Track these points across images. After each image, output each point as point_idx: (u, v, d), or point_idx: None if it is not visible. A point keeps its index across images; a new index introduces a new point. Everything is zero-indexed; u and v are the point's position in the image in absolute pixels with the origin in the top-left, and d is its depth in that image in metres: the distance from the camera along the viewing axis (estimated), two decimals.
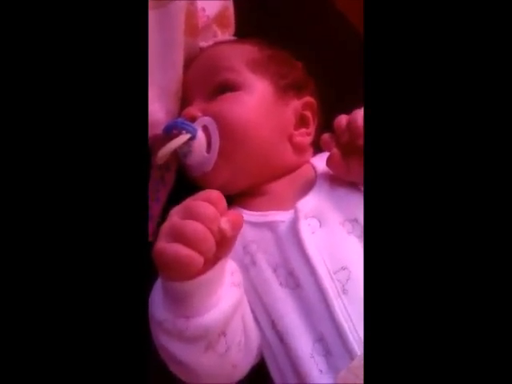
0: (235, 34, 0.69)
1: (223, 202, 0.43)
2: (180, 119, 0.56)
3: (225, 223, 0.42)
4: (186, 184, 0.59)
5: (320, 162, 0.56)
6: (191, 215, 0.41)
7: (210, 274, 0.43)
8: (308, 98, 0.61)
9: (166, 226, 0.42)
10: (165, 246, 0.41)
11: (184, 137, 0.54)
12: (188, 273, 0.41)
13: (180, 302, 0.44)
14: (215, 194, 0.43)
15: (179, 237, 0.40)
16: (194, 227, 0.41)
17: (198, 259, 0.40)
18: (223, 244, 0.43)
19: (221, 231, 0.42)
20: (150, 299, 0.46)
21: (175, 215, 0.43)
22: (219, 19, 0.66)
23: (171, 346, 0.45)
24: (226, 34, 0.67)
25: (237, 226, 0.43)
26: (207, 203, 0.42)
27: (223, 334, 0.46)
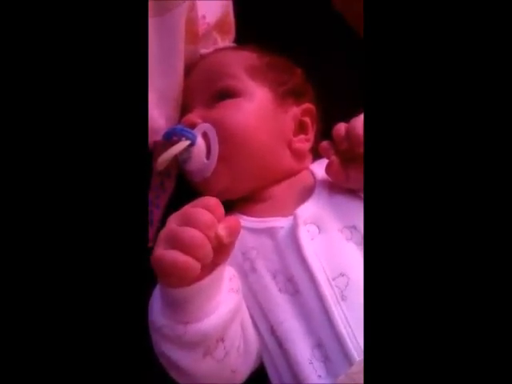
0: (236, 41, 0.69)
1: (220, 209, 0.43)
2: (179, 126, 0.57)
3: (222, 230, 0.42)
4: (186, 190, 0.59)
5: (319, 168, 0.57)
6: (188, 222, 0.42)
7: (207, 280, 0.44)
8: (307, 105, 0.61)
9: (163, 232, 0.43)
10: (162, 252, 0.41)
11: (183, 143, 0.55)
12: (185, 279, 0.41)
13: (178, 308, 0.44)
14: (212, 201, 0.44)
15: (176, 243, 0.41)
16: (191, 234, 0.41)
17: (195, 265, 0.40)
18: (220, 250, 0.43)
19: (218, 237, 0.42)
20: (149, 305, 0.47)
21: (173, 222, 0.43)
22: (220, 26, 0.66)
23: (170, 352, 0.45)
24: (227, 41, 0.67)
25: (234, 233, 0.43)
26: (204, 210, 0.42)
27: (221, 339, 0.46)
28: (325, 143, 0.53)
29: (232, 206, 0.57)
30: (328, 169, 0.53)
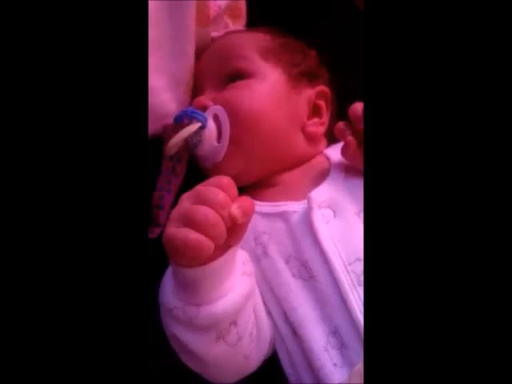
0: (246, 26, 0.68)
1: (234, 188, 0.42)
2: (190, 108, 0.55)
3: (236, 209, 0.41)
4: (198, 175, 0.58)
5: (334, 152, 0.55)
6: (202, 200, 0.41)
7: (220, 261, 0.42)
8: (321, 87, 0.60)
9: (175, 211, 0.42)
10: (175, 230, 0.40)
11: (194, 126, 0.53)
12: (198, 258, 0.40)
13: (190, 289, 0.43)
14: (226, 180, 0.42)
15: (189, 222, 0.40)
16: (205, 212, 0.40)
17: (208, 244, 0.39)
18: (234, 231, 0.42)
19: (232, 217, 0.41)
20: (160, 286, 0.46)
21: (185, 200, 0.42)
22: (231, 10, 0.65)
23: (181, 335, 0.44)
24: (238, 26, 0.66)
25: (248, 213, 0.42)
26: (218, 189, 0.41)
27: (234, 323, 0.45)
28: (341, 124, 0.52)
29: (243, 193, 0.55)
30: (344, 150, 0.51)
